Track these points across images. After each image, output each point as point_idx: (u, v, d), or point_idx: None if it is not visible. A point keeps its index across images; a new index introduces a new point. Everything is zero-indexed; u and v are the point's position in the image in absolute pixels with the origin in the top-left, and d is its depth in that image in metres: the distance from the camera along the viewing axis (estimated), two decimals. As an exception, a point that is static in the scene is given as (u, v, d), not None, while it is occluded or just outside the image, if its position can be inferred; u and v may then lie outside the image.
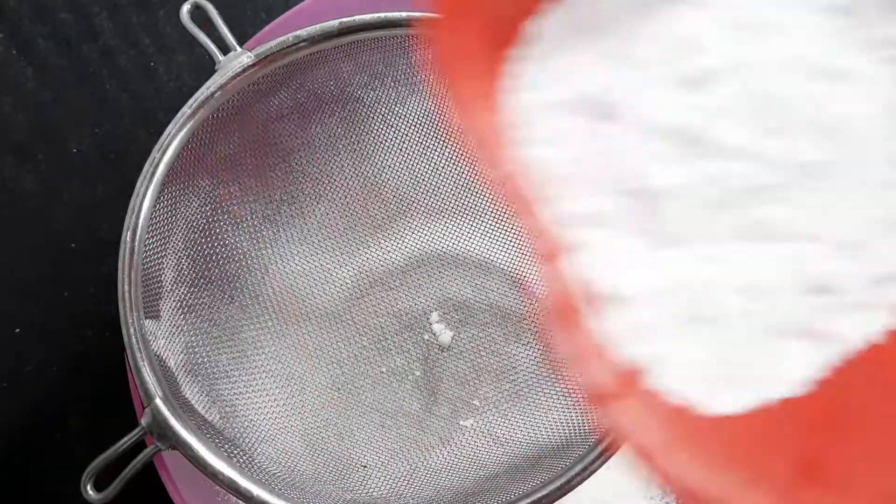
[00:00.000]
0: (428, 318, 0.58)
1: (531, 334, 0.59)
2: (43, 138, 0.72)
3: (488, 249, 0.61)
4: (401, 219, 0.62)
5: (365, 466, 0.57)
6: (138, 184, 0.52)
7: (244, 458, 0.52)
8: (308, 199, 0.62)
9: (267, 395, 0.58)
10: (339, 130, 0.61)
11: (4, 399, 0.67)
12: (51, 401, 0.68)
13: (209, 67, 0.71)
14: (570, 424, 0.56)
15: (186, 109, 0.53)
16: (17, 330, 0.69)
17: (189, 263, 0.57)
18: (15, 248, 0.70)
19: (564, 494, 0.50)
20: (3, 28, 0.74)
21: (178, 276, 0.56)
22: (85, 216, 0.71)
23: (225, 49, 0.55)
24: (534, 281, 0.60)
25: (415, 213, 0.62)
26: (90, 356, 0.68)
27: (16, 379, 0.68)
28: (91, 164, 0.72)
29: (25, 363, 0.68)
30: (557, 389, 0.58)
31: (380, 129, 0.61)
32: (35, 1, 0.75)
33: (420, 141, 0.62)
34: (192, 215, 0.57)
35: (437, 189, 0.62)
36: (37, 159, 0.72)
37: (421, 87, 0.61)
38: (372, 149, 0.62)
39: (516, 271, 0.60)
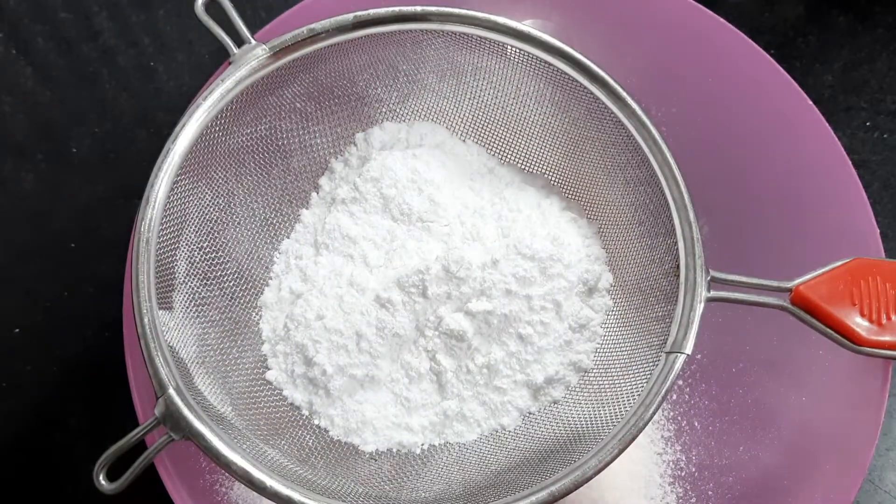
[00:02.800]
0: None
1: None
2: (42, 138, 0.72)
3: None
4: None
5: (376, 459, 0.57)
6: (152, 174, 0.52)
7: (257, 449, 0.51)
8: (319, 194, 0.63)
9: (279, 387, 0.58)
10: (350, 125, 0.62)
11: (4, 399, 0.67)
12: (50, 401, 0.67)
13: (209, 67, 0.72)
14: (582, 419, 0.56)
15: (201, 101, 0.53)
16: (17, 330, 0.68)
17: (202, 256, 0.57)
18: (14, 247, 0.70)
19: (577, 488, 0.50)
20: (3, 28, 0.74)
21: (190, 267, 0.56)
22: (85, 216, 0.71)
23: (239, 42, 0.54)
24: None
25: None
26: (89, 356, 0.68)
27: (15, 379, 0.67)
28: (91, 164, 0.72)
29: (25, 363, 0.68)
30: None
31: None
32: (34, 0, 0.74)
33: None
34: (206, 207, 0.57)
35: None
36: (36, 159, 0.72)
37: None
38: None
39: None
